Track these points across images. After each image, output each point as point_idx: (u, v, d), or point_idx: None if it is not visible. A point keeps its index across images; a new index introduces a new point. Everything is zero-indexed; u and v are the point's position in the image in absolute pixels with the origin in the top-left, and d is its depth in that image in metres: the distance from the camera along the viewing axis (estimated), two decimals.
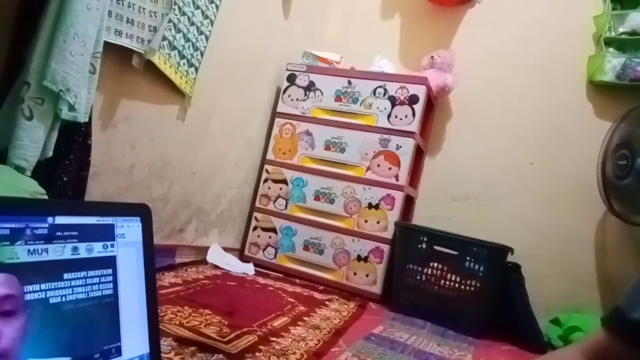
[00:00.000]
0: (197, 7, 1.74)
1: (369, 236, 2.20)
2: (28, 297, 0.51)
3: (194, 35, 1.76)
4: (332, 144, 2.32)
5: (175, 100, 1.81)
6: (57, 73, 1.14)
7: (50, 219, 0.55)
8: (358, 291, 2.17)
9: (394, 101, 2.24)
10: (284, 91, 2.44)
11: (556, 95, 2.38)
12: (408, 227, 2.24)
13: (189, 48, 1.74)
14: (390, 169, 2.21)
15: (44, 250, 0.54)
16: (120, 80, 1.53)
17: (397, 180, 2.19)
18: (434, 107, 2.52)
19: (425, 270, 2.07)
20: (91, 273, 0.58)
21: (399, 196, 2.19)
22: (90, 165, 1.36)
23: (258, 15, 2.23)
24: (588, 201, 2.17)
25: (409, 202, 2.41)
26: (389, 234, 2.18)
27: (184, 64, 1.74)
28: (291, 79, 2.44)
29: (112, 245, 0.62)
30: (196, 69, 1.82)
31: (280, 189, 2.37)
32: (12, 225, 0.51)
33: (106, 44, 1.34)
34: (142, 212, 0.67)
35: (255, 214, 2.41)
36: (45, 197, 1.01)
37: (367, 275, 2.18)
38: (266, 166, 2.42)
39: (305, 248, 2.30)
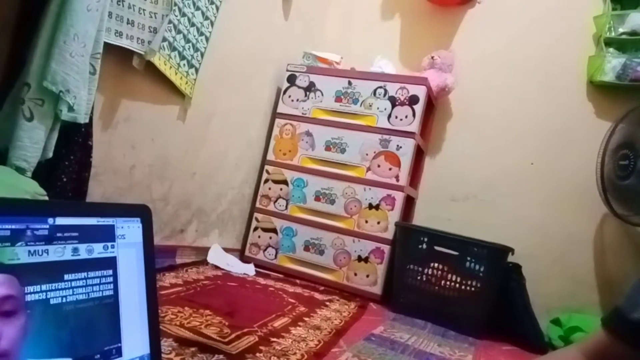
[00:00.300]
0: (198, 8, 1.74)
1: (369, 237, 2.20)
2: (29, 297, 0.51)
3: (194, 36, 1.76)
4: (332, 144, 2.32)
5: (176, 100, 1.81)
6: (57, 74, 1.14)
7: (50, 220, 0.55)
8: (358, 292, 2.17)
9: (394, 101, 2.24)
10: (284, 92, 2.44)
11: (556, 96, 2.38)
12: (408, 228, 2.24)
13: (189, 49, 1.74)
14: (390, 169, 2.21)
15: (45, 251, 0.54)
16: (121, 81, 1.54)
17: (398, 180, 2.19)
18: (434, 107, 2.52)
19: (426, 270, 2.07)
20: (91, 274, 0.59)
21: (399, 196, 2.19)
22: (91, 166, 1.36)
23: (258, 16, 2.23)
24: (588, 201, 2.17)
25: (409, 203, 2.41)
26: (389, 235, 2.18)
27: (184, 64, 1.74)
28: (291, 79, 2.44)
29: (113, 246, 0.62)
30: (196, 70, 1.82)
31: (281, 189, 2.37)
32: (13, 227, 0.51)
33: (107, 45, 1.34)
34: (142, 213, 0.67)
35: (255, 214, 2.41)
36: (46, 198, 1.01)
37: (367, 276, 2.18)
38: (266, 167, 2.42)
39: (306, 248, 2.30)
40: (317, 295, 1.99)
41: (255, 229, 2.40)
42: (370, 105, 2.28)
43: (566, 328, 1.97)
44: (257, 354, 1.13)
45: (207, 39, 1.83)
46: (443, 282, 2.04)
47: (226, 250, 2.25)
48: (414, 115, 2.20)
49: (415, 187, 2.51)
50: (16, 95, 1.14)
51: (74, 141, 1.29)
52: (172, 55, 1.66)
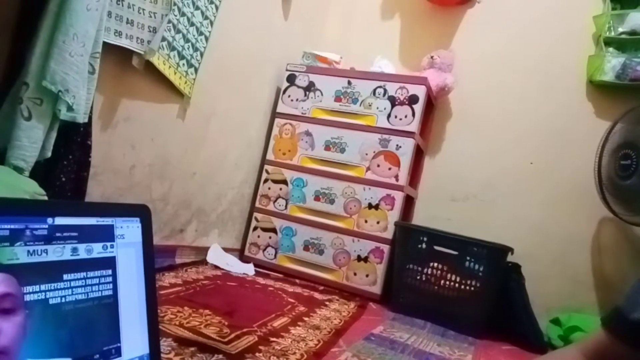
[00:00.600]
0: (197, 8, 1.74)
1: (369, 236, 2.20)
2: (28, 297, 0.51)
3: (194, 35, 1.76)
4: (332, 144, 2.32)
5: (175, 100, 1.81)
6: (56, 73, 1.14)
7: (49, 220, 0.55)
8: (358, 291, 2.17)
9: (393, 101, 2.24)
10: (284, 91, 2.44)
11: (556, 95, 2.38)
12: (408, 227, 2.24)
13: (188, 49, 1.74)
14: (390, 169, 2.21)
15: (44, 251, 0.54)
16: (121, 80, 1.53)
17: (397, 180, 2.19)
18: (433, 107, 2.52)
19: (425, 270, 2.07)
20: (91, 274, 0.59)
21: (398, 196, 2.19)
22: (90, 165, 1.36)
23: (258, 15, 2.23)
24: (588, 201, 2.17)
25: (408, 202, 2.41)
26: (389, 234, 2.18)
27: (183, 64, 1.74)
28: (291, 79, 2.44)
29: (112, 246, 0.62)
30: (196, 70, 1.82)
31: (280, 189, 2.37)
32: (12, 226, 0.51)
33: (106, 44, 1.34)
34: (141, 212, 0.67)
35: (255, 214, 2.41)
36: (45, 197, 1.01)
37: (367, 276, 2.18)
38: (266, 166, 2.42)
39: (305, 248, 2.30)
40: (316, 295, 1.99)
41: (255, 228, 2.40)
42: (370, 105, 2.28)
43: (566, 328, 1.97)
44: (257, 354, 1.13)
45: (206, 39, 1.83)
46: (442, 281, 2.03)
47: (226, 250, 2.25)
48: (413, 115, 2.20)
49: (414, 186, 2.51)
50: (15, 95, 1.14)
51: (73, 141, 1.29)
52: (171, 54, 1.65)
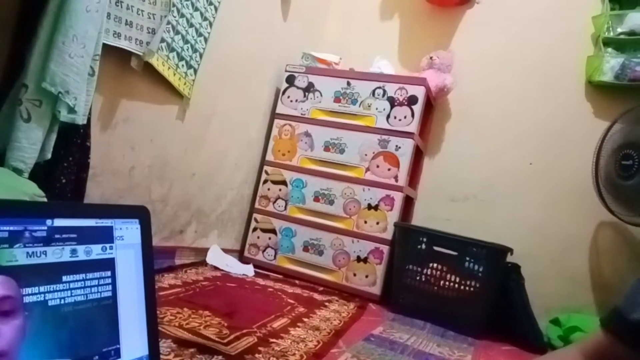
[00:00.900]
0: (196, 9, 1.74)
1: (368, 237, 2.20)
2: (27, 299, 0.51)
3: (193, 37, 1.76)
4: (331, 145, 2.32)
5: (175, 101, 1.81)
6: (56, 75, 1.14)
7: (48, 222, 0.55)
8: (358, 292, 2.17)
9: (393, 102, 2.24)
10: (283, 92, 2.44)
11: (555, 96, 2.38)
12: (407, 228, 2.24)
13: (187, 50, 1.74)
14: (389, 169, 2.21)
15: (43, 253, 0.54)
16: (120, 81, 1.54)
17: (397, 181, 2.19)
18: (433, 107, 2.52)
19: (425, 270, 2.07)
20: (90, 275, 0.58)
21: (398, 197, 2.19)
22: (89, 167, 1.36)
23: (257, 16, 2.23)
24: (587, 202, 2.17)
25: (408, 203, 2.41)
26: (388, 235, 2.18)
27: (182, 65, 1.74)
28: (290, 80, 2.44)
29: (111, 248, 0.62)
30: (195, 71, 1.82)
31: (280, 190, 2.37)
32: (11, 228, 0.51)
33: (105, 46, 1.34)
34: (140, 214, 0.67)
35: (254, 215, 2.41)
36: (44, 199, 1.01)
37: (366, 276, 2.18)
38: (265, 167, 2.42)
39: (305, 249, 2.30)
40: (316, 296, 1.99)
41: (255, 229, 2.40)
42: (369, 106, 2.28)
43: (565, 328, 1.98)
44: (256, 355, 1.13)
45: (205, 40, 1.83)
46: (442, 282, 2.04)
47: (225, 251, 2.25)
48: (412, 115, 2.20)
49: (414, 187, 2.51)
50: (14, 96, 1.14)
51: (73, 142, 1.29)
52: (170, 56, 1.65)
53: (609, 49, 2.23)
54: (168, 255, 1.89)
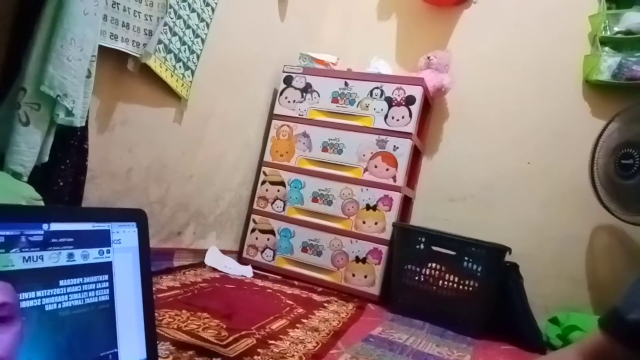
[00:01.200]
0: (193, 10, 1.74)
1: (367, 237, 2.20)
2: (24, 304, 0.51)
3: (190, 38, 1.76)
4: (329, 145, 2.32)
5: (172, 103, 1.81)
6: (54, 78, 1.14)
7: (45, 226, 0.55)
8: (357, 292, 2.17)
9: (390, 102, 2.24)
10: (281, 93, 2.44)
11: (552, 95, 2.38)
12: (406, 228, 2.25)
13: (184, 51, 1.74)
14: (387, 170, 2.21)
15: (40, 257, 0.54)
16: (117, 83, 1.53)
17: (395, 181, 2.19)
18: (430, 107, 2.53)
19: (424, 270, 2.07)
20: (87, 279, 0.58)
21: (396, 197, 2.19)
22: (87, 169, 1.36)
23: (254, 17, 2.23)
24: (585, 201, 2.17)
25: (406, 203, 2.41)
26: (387, 235, 2.18)
27: (179, 67, 1.73)
28: (288, 80, 2.44)
29: (108, 251, 0.62)
30: (192, 72, 1.82)
31: (278, 190, 2.37)
32: (7, 233, 0.51)
33: (102, 48, 1.33)
34: (138, 217, 0.67)
35: (253, 216, 2.41)
36: (42, 202, 1.01)
37: (365, 277, 2.18)
38: (264, 168, 2.42)
39: (304, 250, 2.29)
40: (315, 297, 1.99)
41: (253, 230, 2.39)
42: (367, 106, 2.28)
43: (564, 327, 1.98)
44: (255, 357, 1.12)
45: (203, 41, 1.83)
46: (441, 282, 2.04)
47: (224, 252, 2.24)
48: (410, 115, 2.20)
49: (412, 187, 2.51)
50: (12, 100, 1.14)
51: (70, 145, 1.28)
52: (167, 57, 1.65)
53: (606, 48, 2.23)
54: (166, 257, 1.89)
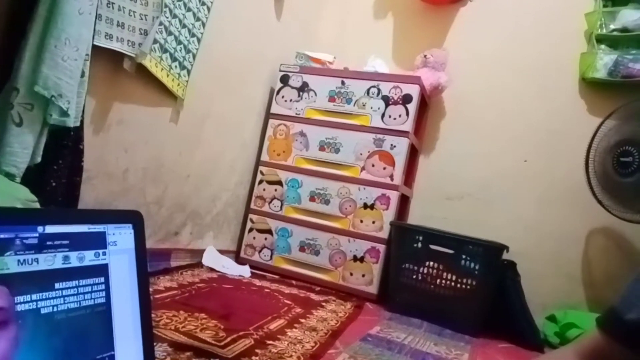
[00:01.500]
0: (189, 9, 1.73)
1: (364, 236, 2.20)
2: (19, 307, 0.51)
3: (186, 37, 1.75)
4: (326, 144, 2.31)
5: (168, 102, 1.80)
6: (49, 78, 1.13)
7: (40, 229, 0.54)
8: (354, 291, 2.17)
9: (387, 101, 2.24)
10: (278, 92, 2.43)
11: (549, 93, 2.39)
12: (403, 227, 2.24)
13: (180, 50, 1.73)
14: (384, 168, 2.20)
15: (35, 260, 0.53)
16: (113, 83, 1.52)
17: (392, 180, 2.19)
18: (427, 106, 2.52)
19: (421, 269, 2.07)
20: (83, 282, 0.58)
21: (394, 196, 2.19)
22: (83, 170, 1.35)
23: (250, 16, 2.22)
24: (582, 199, 2.17)
25: (404, 202, 2.41)
26: (384, 234, 2.18)
27: (175, 66, 1.73)
28: (284, 79, 2.43)
29: (104, 253, 0.61)
30: (188, 72, 1.81)
31: (275, 190, 2.37)
32: (1, 236, 0.50)
33: (97, 47, 1.33)
34: (134, 218, 0.67)
35: (250, 215, 2.41)
36: (37, 204, 1.00)
37: (363, 276, 2.18)
38: (261, 167, 2.42)
39: (301, 249, 2.29)
40: (313, 296, 1.98)
41: (250, 230, 2.39)
42: (364, 105, 2.28)
43: (561, 324, 1.98)
44: (253, 357, 1.12)
45: (198, 40, 1.82)
46: (439, 280, 2.04)
47: (221, 252, 2.24)
48: (407, 114, 2.20)
49: (409, 186, 2.51)
50: (5, 100, 1.13)
51: (64, 145, 1.27)
52: (163, 57, 1.64)
53: (602, 46, 2.23)
54: (163, 258, 1.89)
